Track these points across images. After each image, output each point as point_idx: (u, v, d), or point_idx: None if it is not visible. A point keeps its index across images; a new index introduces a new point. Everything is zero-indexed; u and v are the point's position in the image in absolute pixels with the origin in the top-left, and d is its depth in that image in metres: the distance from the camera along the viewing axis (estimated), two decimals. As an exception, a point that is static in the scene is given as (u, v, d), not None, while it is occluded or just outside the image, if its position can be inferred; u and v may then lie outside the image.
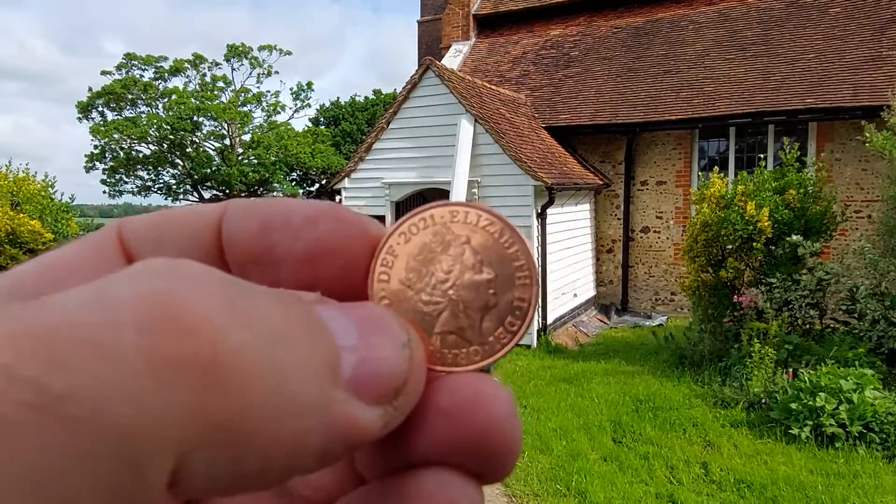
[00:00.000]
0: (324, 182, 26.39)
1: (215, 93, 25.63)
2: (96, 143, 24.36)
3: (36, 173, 9.77)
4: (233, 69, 27.01)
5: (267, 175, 25.19)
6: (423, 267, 0.23)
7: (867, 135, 5.96)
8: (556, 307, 8.83)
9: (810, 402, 4.56)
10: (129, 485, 0.13)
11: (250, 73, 27.42)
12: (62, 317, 0.14)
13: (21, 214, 7.42)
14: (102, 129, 23.72)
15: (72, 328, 0.13)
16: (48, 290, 0.16)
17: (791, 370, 5.21)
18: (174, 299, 0.15)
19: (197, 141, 25.26)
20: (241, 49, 26.42)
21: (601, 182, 10.23)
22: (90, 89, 24.41)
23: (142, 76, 24.95)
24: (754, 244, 6.20)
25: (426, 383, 0.20)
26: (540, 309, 8.36)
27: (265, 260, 0.21)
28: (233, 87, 26.49)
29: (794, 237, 5.90)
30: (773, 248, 6.26)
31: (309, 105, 28.34)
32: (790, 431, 4.56)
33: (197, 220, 0.22)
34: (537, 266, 0.23)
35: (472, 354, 0.22)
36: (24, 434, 0.12)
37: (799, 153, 6.68)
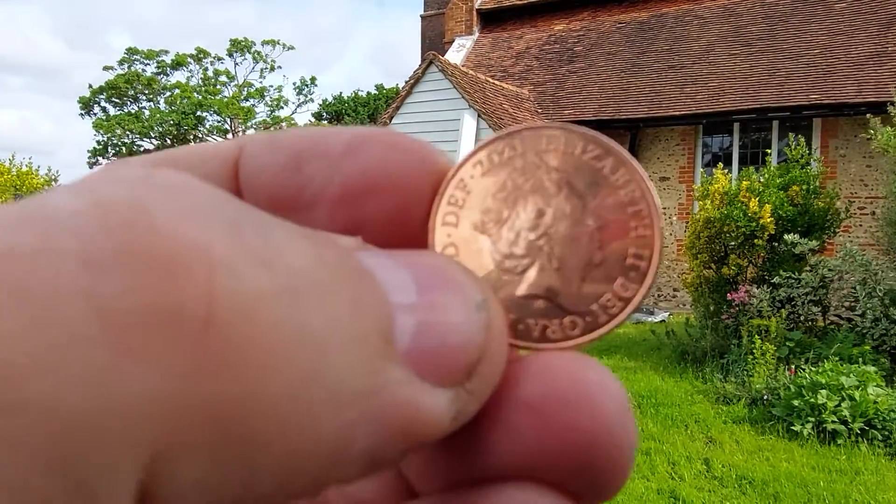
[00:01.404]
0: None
1: (218, 87, 25.65)
2: (99, 138, 24.41)
3: (39, 167, 9.80)
4: (236, 64, 27.03)
5: (270, 170, 25.24)
6: (504, 208, 0.17)
7: (872, 131, 5.94)
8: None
9: (812, 399, 4.56)
10: (66, 497, 0.09)
11: (253, 68, 27.44)
12: None
13: (24, 208, 7.45)
14: (105, 123, 23.77)
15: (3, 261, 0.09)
16: None
17: (793, 367, 5.21)
18: (144, 216, 0.09)
19: (200, 135, 25.28)
20: (243, 44, 26.42)
21: (604, 178, 10.21)
22: (90, 86, 24.46)
23: (144, 71, 24.97)
24: (757, 241, 6.19)
25: (506, 364, 0.15)
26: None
27: (296, 201, 0.16)
28: (236, 81, 26.51)
29: (791, 236, 5.88)
30: (776, 244, 6.24)
31: (312, 100, 28.38)
32: (792, 428, 4.56)
33: (207, 159, 0.17)
34: (657, 213, 0.18)
35: (568, 327, 0.17)
36: None
37: (805, 150, 6.67)
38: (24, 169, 9.38)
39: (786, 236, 5.94)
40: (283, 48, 27.24)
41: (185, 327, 0.09)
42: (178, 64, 25.21)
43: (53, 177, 10.05)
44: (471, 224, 0.17)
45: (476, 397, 0.13)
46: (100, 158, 24.85)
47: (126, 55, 24.75)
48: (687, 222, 7.87)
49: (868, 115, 6.35)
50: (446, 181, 0.18)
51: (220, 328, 0.09)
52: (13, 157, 9.49)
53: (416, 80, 8.68)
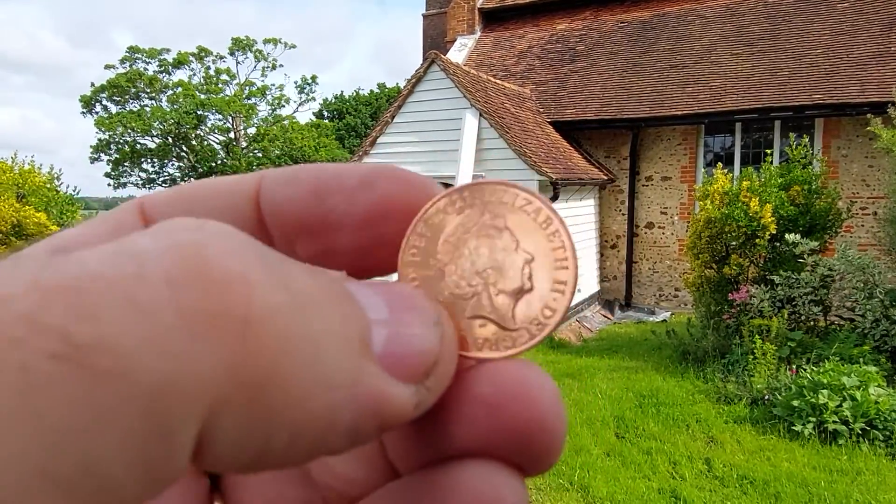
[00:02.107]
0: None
1: (220, 86, 25.65)
2: (101, 136, 24.43)
3: (41, 165, 9.81)
4: (237, 62, 27.02)
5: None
6: (455, 247, 0.22)
7: (874, 129, 5.93)
8: (560, 302, 8.81)
9: (813, 399, 4.56)
10: (155, 448, 0.13)
11: (255, 67, 27.46)
12: (87, 269, 0.13)
13: (27, 207, 7.45)
14: (107, 122, 23.78)
15: (98, 281, 0.13)
16: None
17: (794, 367, 5.21)
18: (204, 253, 0.14)
19: (201, 134, 25.30)
20: (245, 42, 26.41)
21: (606, 177, 10.21)
22: (92, 84, 24.47)
23: (146, 69, 24.97)
24: (758, 241, 6.19)
25: (459, 371, 0.19)
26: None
27: (319, 228, 0.20)
28: (237, 80, 26.51)
29: (791, 236, 5.88)
30: (778, 244, 6.24)
31: (313, 99, 28.43)
32: (793, 428, 4.56)
33: (231, 191, 0.21)
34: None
35: (505, 342, 0.21)
36: (47, 386, 0.11)
37: (805, 149, 6.66)
38: (27, 167, 9.38)
39: (787, 236, 5.94)
40: (285, 47, 27.24)
41: (232, 325, 0.13)
42: (179, 62, 25.22)
43: (55, 175, 10.04)
44: (430, 258, 0.21)
45: (433, 392, 0.18)
46: (101, 156, 24.86)
47: (128, 54, 24.76)
48: (689, 222, 7.87)
49: (869, 116, 6.35)
50: (413, 222, 0.21)
51: (253, 327, 0.14)
52: (15, 155, 9.49)
53: (417, 79, 8.68)
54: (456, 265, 0.21)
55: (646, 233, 10.49)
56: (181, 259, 0.14)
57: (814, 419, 4.52)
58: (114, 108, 24.89)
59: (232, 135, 25.80)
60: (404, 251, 0.21)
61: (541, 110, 10.72)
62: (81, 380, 0.12)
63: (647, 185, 10.44)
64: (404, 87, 9.08)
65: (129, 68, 24.65)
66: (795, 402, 4.65)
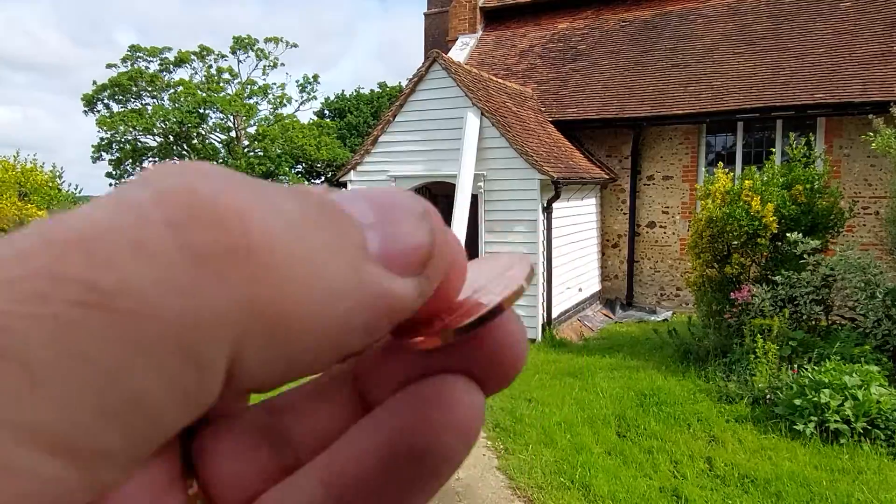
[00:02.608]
0: (329, 175, 26.40)
1: (221, 85, 25.65)
2: (103, 134, 24.44)
3: (44, 164, 9.82)
4: (239, 61, 27.05)
5: (273, 167, 25.23)
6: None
7: (871, 134, 5.93)
8: (561, 301, 8.83)
9: (815, 398, 4.56)
10: (191, 377, 0.14)
11: (256, 66, 27.45)
12: (93, 220, 0.13)
13: (29, 205, 7.45)
14: (109, 120, 23.79)
15: (103, 231, 0.13)
16: None
17: (796, 366, 5.21)
18: (196, 192, 0.14)
19: (203, 133, 25.31)
20: (247, 41, 26.42)
21: (607, 176, 10.21)
22: (94, 83, 24.48)
23: (147, 68, 24.98)
24: (759, 240, 6.19)
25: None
26: (545, 303, 8.36)
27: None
28: (239, 79, 26.51)
29: (794, 235, 5.88)
30: (779, 244, 6.24)
31: (315, 97, 28.43)
32: (795, 427, 4.56)
33: None
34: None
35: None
36: (84, 331, 0.12)
37: (806, 148, 6.65)
38: (29, 166, 9.39)
39: (789, 235, 5.94)
40: (287, 46, 27.24)
41: (235, 257, 0.14)
42: (181, 61, 25.21)
43: (57, 173, 10.06)
44: None
45: (432, 280, 0.18)
46: (103, 154, 24.88)
47: (129, 53, 24.76)
48: (690, 221, 7.86)
49: (871, 116, 6.34)
50: None
51: (255, 255, 0.14)
52: (17, 153, 9.50)
53: (419, 78, 8.67)
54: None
55: (647, 232, 10.49)
56: (175, 202, 0.14)
57: (815, 418, 4.51)
58: (116, 107, 24.91)
59: (233, 134, 25.81)
60: None
61: (542, 109, 10.71)
62: (113, 322, 0.12)
63: (649, 185, 10.43)
64: (406, 86, 9.07)
65: (130, 67, 24.66)
66: (797, 402, 4.65)
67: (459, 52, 12.95)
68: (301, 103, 28.48)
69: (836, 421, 4.44)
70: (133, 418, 0.13)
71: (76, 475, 0.12)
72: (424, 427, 0.18)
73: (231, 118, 25.38)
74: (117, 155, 24.94)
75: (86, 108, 25.02)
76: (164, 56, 25.20)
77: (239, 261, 0.14)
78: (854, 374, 4.63)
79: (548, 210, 8.21)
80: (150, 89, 24.59)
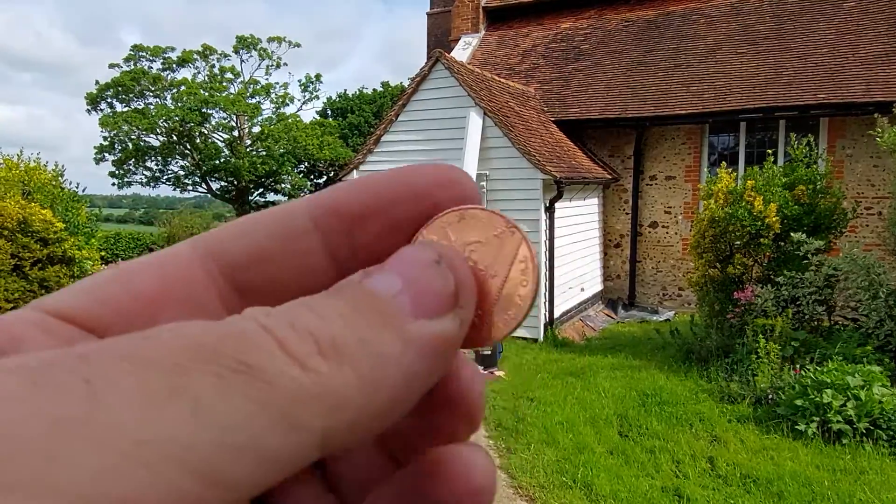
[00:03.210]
0: (332, 174, 26.42)
1: (224, 84, 25.66)
2: (105, 134, 24.46)
3: (47, 163, 9.82)
4: (242, 61, 27.05)
5: (275, 167, 25.25)
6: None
7: (879, 129, 5.91)
8: (563, 301, 8.83)
9: (817, 399, 4.56)
10: (296, 439, 0.17)
11: (259, 65, 27.45)
12: (234, 329, 0.18)
13: (33, 203, 7.47)
14: (112, 120, 23.80)
15: (243, 334, 0.18)
16: (142, 325, 0.19)
17: (798, 366, 5.20)
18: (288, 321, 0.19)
19: (206, 132, 25.32)
20: (250, 40, 26.43)
21: (610, 176, 10.20)
22: (97, 82, 24.50)
23: (150, 68, 24.99)
24: (762, 240, 6.18)
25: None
26: (547, 303, 8.36)
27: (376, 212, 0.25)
28: (241, 78, 26.52)
29: (798, 235, 5.87)
30: (782, 244, 6.23)
31: (317, 97, 28.38)
32: (797, 427, 4.56)
33: (285, 210, 0.25)
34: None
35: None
36: (231, 387, 0.17)
37: (808, 149, 6.64)
38: (32, 165, 9.41)
39: (792, 235, 5.93)
40: (289, 45, 27.24)
41: (319, 355, 0.19)
42: (184, 61, 25.20)
43: (60, 172, 10.07)
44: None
45: (467, 310, 0.22)
46: (106, 154, 24.87)
47: (132, 52, 24.76)
48: (692, 221, 7.86)
49: (876, 115, 6.33)
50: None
51: (328, 352, 0.19)
52: (21, 152, 9.52)
53: (422, 77, 8.67)
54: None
55: (650, 232, 10.48)
56: (277, 324, 0.19)
57: (817, 418, 4.51)
58: (119, 107, 24.92)
59: (236, 133, 25.82)
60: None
61: (545, 109, 10.71)
62: (251, 385, 0.17)
63: (651, 185, 10.43)
64: (409, 85, 9.08)
65: (133, 67, 24.67)
66: (799, 402, 4.64)
67: (462, 51, 12.95)
68: (303, 103, 28.57)
69: (838, 421, 4.44)
70: (250, 455, 0.16)
71: (197, 491, 0.15)
72: (445, 490, 0.22)
73: (234, 117, 25.40)
74: (120, 154, 24.94)
75: (89, 108, 25.04)
76: (167, 56, 25.22)
77: (320, 358, 0.18)
78: (856, 375, 4.62)
79: (550, 210, 8.21)
80: (153, 89, 24.60)
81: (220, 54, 26.17)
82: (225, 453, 0.16)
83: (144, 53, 25.00)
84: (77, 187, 11.08)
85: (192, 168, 25.84)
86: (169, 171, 26.12)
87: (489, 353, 6.15)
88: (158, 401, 0.16)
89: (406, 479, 0.24)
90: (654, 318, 9.67)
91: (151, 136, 24.69)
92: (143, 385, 0.16)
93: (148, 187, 26.51)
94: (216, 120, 25.27)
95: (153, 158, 25.59)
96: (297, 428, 0.17)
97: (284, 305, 0.20)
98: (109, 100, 24.89)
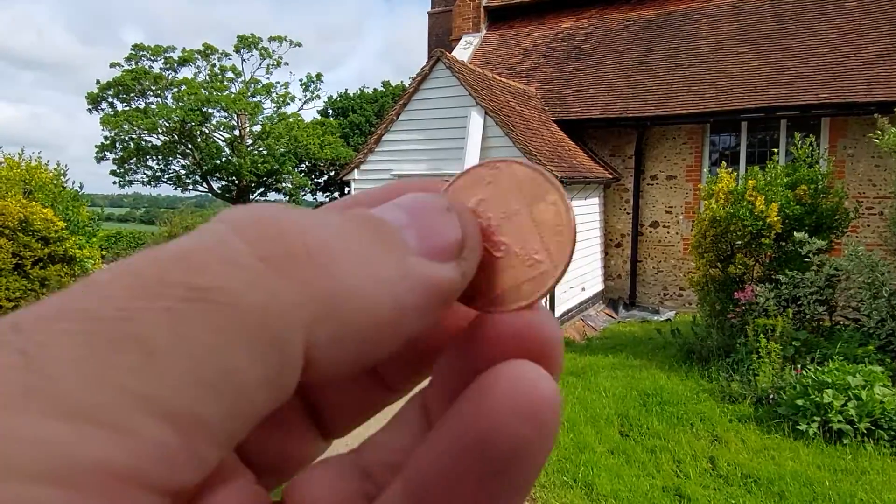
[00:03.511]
0: (332, 173, 26.42)
1: (225, 83, 25.67)
2: (107, 133, 24.47)
3: (48, 162, 9.83)
4: (243, 60, 27.04)
5: (276, 166, 25.25)
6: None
7: (878, 131, 5.91)
8: (564, 301, 8.82)
9: (818, 399, 4.55)
10: (273, 359, 0.16)
11: (260, 64, 27.46)
12: (186, 244, 0.17)
13: (34, 203, 7.48)
14: (113, 119, 23.81)
15: (198, 250, 0.17)
16: None
17: (799, 366, 5.20)
18: (261, 217, 0.18)
19: (206, 132, 25.32)
20: (251, 40, 26.43)
21: (611, 176, 10.20)
22: (98, 81, 24.50)
23: (151, 67, 24.99)
24: (763, 240, 6.17)
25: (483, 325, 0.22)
26: (548, 302, 8.37)
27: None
28: (242, 77, 26.53)
29: (800, 234, 5.86)
30: (784, 243, 6.22)
31: (318, 96, 28.36)
32: (798, 427, 4.56)
33: None
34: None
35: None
36: (187, 319, 0.15)
37: (810, 148, 6.64)
38: (33, 164, 9.42)
39: (795, 234, 5.92)
40: (290, 45, 27.24)
41: (299, 258, 0.17)
42: (185, 60, 25.20)
43: (62, 171, 10.09)
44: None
45: (471, 261, 0.21)
46: (107, 153, 24.87)
47: (133, 52, 24.76)
48: (693, 221, 7.85)
49: (876, 115, 6.32)
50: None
51: (314, 256, 0.17)
52: (22, 151, 9.53)
53: (423, 77, 8.67)
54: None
55: (650, 232, 10.47)
56: (247, 225, 0.17)
57: (818, 418, 4.51)
58: (120, 106, 24.92)
59: (237, 132, 25.83)
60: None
61: (546, 109, 10.71)
62: (210, 311, 0.15)
63: (652, 184, 10.42)
64: (410, 84, 9.08)
65: (134, 66, 24.68)
66: (800, 402, 4.64)
67: (463, 51, 12.95)
68: (304, 102, 28.52)
69: (839, 421, 4.43)
70: (225, 391, 0.15)
71: (177, 441, 0.14)
72: (489, 417, 0.18)
73: (235, 117, 25.40)
74: (121, 153, 24.95)
75: (90, 107, 25.05)
76: (168, 55, 25.22)
77: (301, 262, 0.17)
78: (857, 375, 4.62)
79: (551, 209, 8.19)
80: (154, 88, 24.60)
81: (222, 53, 26.18)
82: (194, 392, 0.15)
83: (146, 53, 25.01)
84: (79, 187, 11.11)
85: (193, 167, 25.85)
86: (170, 171, 26.14)
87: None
88: (104, 356, 0.14)
89: (447, 423, 0.20)
90: (655, 317, 9.67)
91: (152, 135, 24.69)
92: (85, 343, 0.14)
93: (149, 186, 26.52)
94: (217, 119, 25.29)
95: (154, 157, 25.60)
96: (276, 346, 0.16)
97: (256, 208, 0.19)
98: (111, 99, 24.90)
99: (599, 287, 10.54)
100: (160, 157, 25.61)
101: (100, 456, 0.13)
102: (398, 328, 0.19)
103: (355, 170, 9.26)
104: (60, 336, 0.14)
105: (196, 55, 25.60)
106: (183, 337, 0.15)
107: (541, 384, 0.19)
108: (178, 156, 25.65)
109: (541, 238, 0.23)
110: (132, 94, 24.63)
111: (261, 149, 25.51)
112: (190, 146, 25.20)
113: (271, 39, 26.90)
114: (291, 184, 26.88)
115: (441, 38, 14.46)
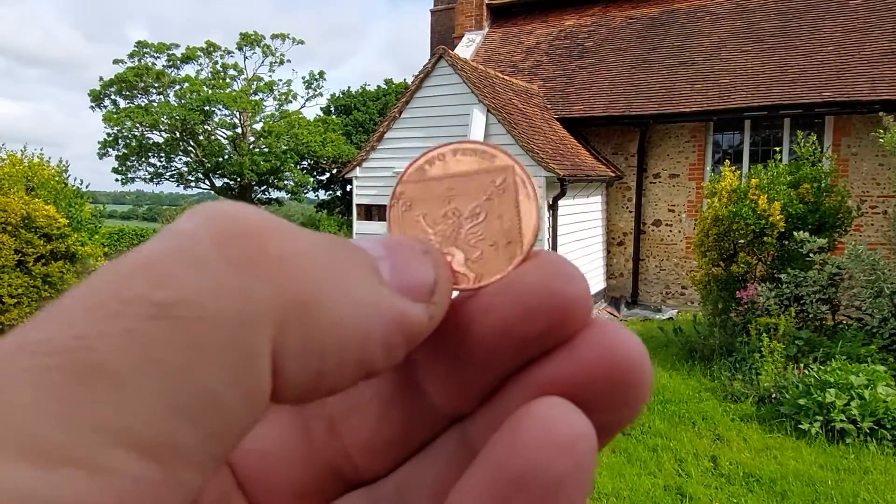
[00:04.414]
0: (335, 171, 26.41)
1: (227, 81, 25.67)
2: (109, 130, 24.50)
3: (50, 158, 9.85)
4: (245, 58, 27.09)
5: (278, 164, 25.25)
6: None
7: (882, 130, 5.88)
8: (566, 299, 8.80)
9: (820, 398, 4.54)
10: (247, 372, 0.15)
11: (262, 62, 27.46)
12: (150, 250, 0.16)
13: (36, 199, 7.48)
14: (115, 116, 23.83)
15: (161, 256, 0.15)
16: None
17: (801, 365, 5.18)
18: (234, 217, 0.17)
19: (209, 129, 25.33)
20: (253, 37, 26.42)
21: (613, 174, 10.18)
22: (101, 79, 24.53)
23: (154, 64, 25.00)
24: (766, 239, 6.16)
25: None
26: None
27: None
28: (245, 75, 26.53)
29: (801, 234, 5.85)
30: (786, 242, 6.21)
31: (321, 94, 28.34)
32: (800, 426, 4.55)
33: None
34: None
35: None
36: (152, 340, 0.14)
37: (814, 147, 6.61)
38: (36, 160, 9.44)
39: (796, 233, 5.91)
40: (293, 42, 27.23)
41: (272, 263, 0.16)
42: (187, 57, 25.20)
43: (63, 168, 10.11)
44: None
45: (440, 306, 0.20)
46: (109, 150, 24.90)
47: (136, 49, 24.78)
48: (696, 220, 7.83)
49: (881, 114, 6.29)
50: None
51: (287, 260, 0.16)
52: (25, 148, 9.55)
53: (425, 74, 8.66)
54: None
55: (653, 230, 10.45)
56: (217, 225, 0.16)
57: (821, 418, 4.50)
58: (122, 103, 24.94)
59: (239, 130, 25.83)
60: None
61: (548, 106, 10.68)
62: (175, 329, 0.14)
63: (655, 183, 10.39)
64: (412, 82, 9.06)
65: (137, 63, 24.69)
66: (802, 401, 4.63)
67: (466, 48, 12.93)
68: (307, 100, 28.50)
69: (841, 420, 4.42)
70: (201, 413, 0.14)
71: (160, 474, 0.14)
72: (523, 452, 0.18)
73: (237, 114, 25.40)
74: (123, 150, 24.97)
75: (93, 104, 25.08)
76: (170, 52, 25.23)
77: (274, 266, 0.16)
78: (860, 374, 4.60)
79: (553, 208, 8.19)
80: (156, 85, 24.62)
81: (224, 51, 26.18)
82: (169, 420, 0.14)
83: (148, 50, 25.02)
84: (81, 183, 11.12)
85: (196, 165, 25.86)
86: (172, 168, 26.16)
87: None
88: (70, 391, 0.13)
89: (483, 459, 0.19)
90: (657, 316, 9.65)
91: (155, 132, 24.71)
92: (46, 380, 0.13)
93: (151, 184, 26.54)
94: (219, 117, 25.29)
95: (156, 155, 25.62)
96: (249, 358, 0.15)
97: (230, 206, 0.17)
98: (113, 96, 24.92)
99: (601, 285, 10.52)
100: (162, 155, 25.63)
101: (83, 500, 0.12)
102: (361, 355, 0.18)
103: (357, 167, 9.25)
104: (21, 375, 0.13)
105: (199, 52, 25.61)
106: (149, 360, 0.14)
107: (575, 419, 0.19)
108: (180, 153, 25.67)
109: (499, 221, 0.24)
110: (135, 92, 24.64)
111: (262, 146, 25.51)
112: (192, 143, 25.21)
113: (274, 37, 26.89)
114: (293, 182, 26.87)
115: (443, 36, 14.44)
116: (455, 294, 0.22)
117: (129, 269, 0.15)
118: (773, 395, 5.03)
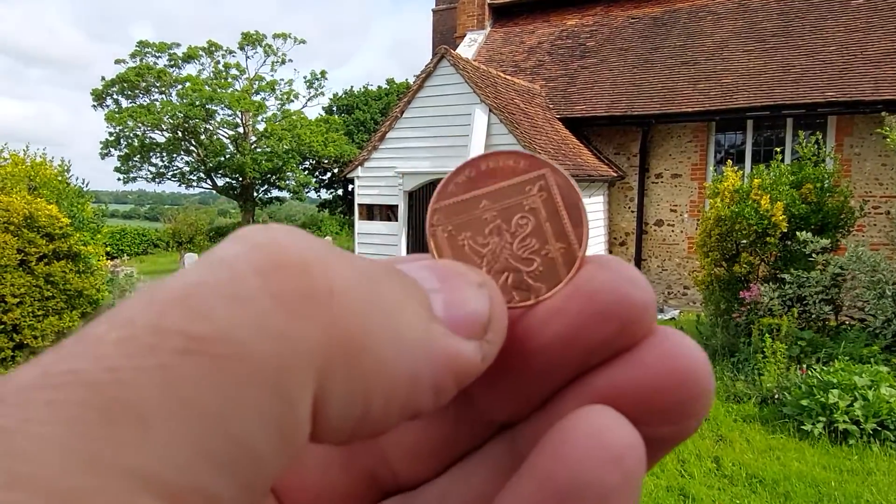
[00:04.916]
0: (336, 171, 26.42)
1: (229, 81, 25.68)
2: (111, 130, 24.52)
3: (52, 158, 9.85)
4: (247, 57, 27.09)
5: (280, 163, 25.25)
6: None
7: (886, 128, 5.87)
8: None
9: (823, 399, 4.53)
10: (285, 417, 0.14)
11: (264, 62, 27.47)
12: (190, 279, 0.15)
13: (39, 199, 7.49)
14: (117, 115, 23.85)
15: (201, 286, 0.14)
16: None
17: (804, 366, 5.17)
18: (281, 246, 0.16)
19: (210, 129, 25.34)
20: (255, 37, 26.43)
21: (615, 174, 10.17)
22: (103, 78, 24.55)
23: (156, 63, 25.02)
24: (768, 239, 6.14)
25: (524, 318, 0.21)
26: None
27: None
28: (247, 75, 26.54)
29: (804, 234, 5.84)
30: (789, 242, 6.19)
31: (322, 94, 28.33)
32: (803, 427, 4.54)
33: None
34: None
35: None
36: (185, 378, 0.13)
37: (816, 147, 6.60)
38: (38, 160, 9.45)
39: (798, 234, 5.89)
40: (295, 42, 27.24)
41: (319, 299, 0.15)
42: (189, 57, 25.21)
43: (66, 167, 10.12)
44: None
45: (494, 345, 0.19)
46: (111, 150, 24.92)
47: (138, 48, 24.80)
48: (699, 219, 7.82)
49: (884, 114, 6.27)
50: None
51: (337, 298, 0.15)
52: (27, 147, 9.56)
53: (427, 74, 8.66)
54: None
55: (655, 230, 10.44)
56: (263, 254, 0.15)
57: (824, 419, 4.48)
58: (125, 103, 24.95)
59: (241, 129, 25.84)
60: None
61: (550, 106, 10.67)
62: (212, 367, 0.13)
63: (657, 183, 10.38)
64: (414, 82, 9.06)
65: (139, 63, 24.71)
66: (805, 402, 4.61)
67: (468, 48, 12.92)
68: (308, 99, 28.50)
69: (844, 421, 4.41)
70: (236, 462, 0.13)
71: None
72: (570, 463, 0.18)
73: (239, 114, 25.41)
74: (125, 150, 24.98)
75: (95, 104, 25.10)
76: (172, 52, 25.25)
77: (322, 303, 0.15)
78: (863, 375, 4.59)
79: (555, 207, 8.17)
80: (158, 85, 24.63)
81: (226, 50, 26.20)
82: (202, 467, 0.13)
83: (150, 49, 25.04)
84: (83, 183, 11.12)
85: (197, 164, 25.87)
86: (174, 167, 26.17)
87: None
88: (95, 430, 0.12)
89: (528, 469, 0.19)
90: (660, 316, 9.64)
91: (157, 132, 24.73)
92: (72, 415, 0.12)
93: (153, 183, 26.56)
94: (221, 116, 25.30)
95: (158, 154, 25.63)
96: (290, 403, 0.14)
97: (280, 231, 0.16)
98: (115, 96, 24.94)
99: (603, 285, 10.50)
100: (164, 154, 25.64)
101: None
102: (408, 398, 0.17)
103: (359, 167, 9.25)
104: (44, 408, 0.12)
105: (200, 52, 25.62)
106: (182, 401, 0.13)
107: (624, 429, 0.18)
108: (181, 153, 25.67)
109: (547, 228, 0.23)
110: (137, 91, 24.66)
111: (264, 146, 25.52)
112: (194, 143, 25.22)
113: (275, 37, 26.90)
114: (295, 181, 26.87)
115: (445, 36, 14.44)
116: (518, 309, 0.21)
117: (165, 297, 0.14)
118: (776, 396, 5.02)
